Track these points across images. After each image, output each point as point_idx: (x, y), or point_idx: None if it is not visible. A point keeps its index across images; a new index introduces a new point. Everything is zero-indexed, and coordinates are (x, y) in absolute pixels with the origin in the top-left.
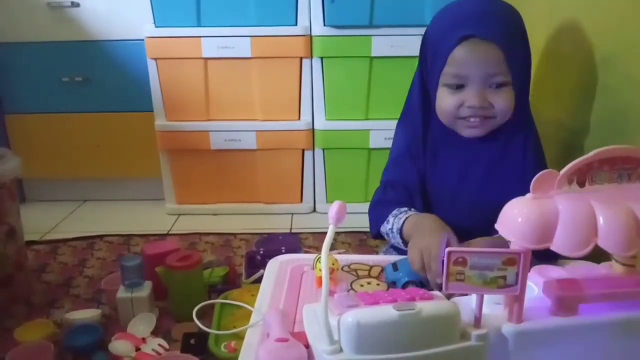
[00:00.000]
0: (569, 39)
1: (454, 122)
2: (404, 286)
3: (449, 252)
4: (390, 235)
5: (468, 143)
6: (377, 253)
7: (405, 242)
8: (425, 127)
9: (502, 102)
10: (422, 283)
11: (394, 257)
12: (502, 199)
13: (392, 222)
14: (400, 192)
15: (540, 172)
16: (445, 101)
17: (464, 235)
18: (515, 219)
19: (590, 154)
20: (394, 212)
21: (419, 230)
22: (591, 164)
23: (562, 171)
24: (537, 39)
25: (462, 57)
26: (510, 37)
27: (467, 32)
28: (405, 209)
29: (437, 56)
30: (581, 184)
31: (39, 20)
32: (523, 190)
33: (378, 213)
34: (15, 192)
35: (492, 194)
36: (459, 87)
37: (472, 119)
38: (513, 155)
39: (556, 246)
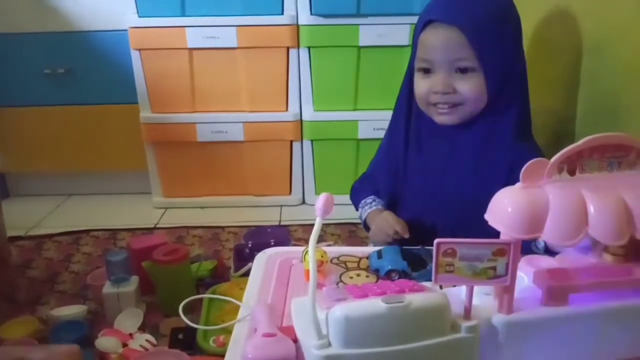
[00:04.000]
0: (559, 25)
1: (428, 108)
2: (387, 274)
3: (438, 243)
4: (361, 222)
5: (451, 131)
6: (366, 244)
7: (368, 228)
8: (409, 116)
9: (467, 87)
10: (405, 271)
11: (380, 247)
12: (488, 188)
13: (360, 212)
14: (372, 187)
15: (530, 161)
16: (418, 86)
17: (448, 228)
18: (505, 208)
19: (581, 142)
20: (361, 202)
21: (375, 221)
22: (581, 152)
23: (552, 160)
24: (527, 26)
25: (427, 41)
26: (478, 21)
27: (430, 16)
28: (371, 200)
29: (413, 41)
30: (571, 173)
31: (20, 10)
32: (509, 178)
33: (354, 199)
34: None
35: (476, 183)
36: (427, 71)
37: (440, 106)
38: (498, 140)
39: (546, 236)
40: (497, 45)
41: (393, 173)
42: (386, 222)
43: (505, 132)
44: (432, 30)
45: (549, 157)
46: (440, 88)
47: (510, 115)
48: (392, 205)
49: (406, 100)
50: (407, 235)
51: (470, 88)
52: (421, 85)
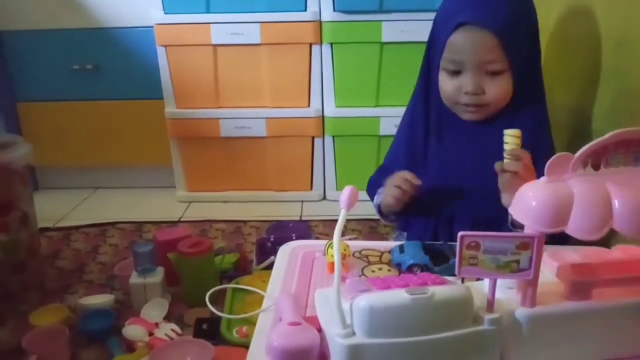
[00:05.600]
0: (581, 22)
1: (455, 106)
2: (409, 268)
3: (462, 236)
4: (375, 209)
5: (472, 124)
6: (387, 240)
7: (381, 214)
8: (427, 110)
9: (496, 90)
10: (427, 266)
11: (402, 242)
12: None
13: (375, 200)
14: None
15: (555, 155)
16: (444, 86)
17: (466, 216)
18: (530, 202)
19: (606, 136)
20: (377, 192)
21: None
22: (606, 147)
23: (577, 154)
24: (549, 23)
25: (458, 44)
26: (509, 23)
27: (462, 18)
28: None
29: (438, 41)
30: (596, 168)
31: (50, 7)
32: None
33: (370, 191)
34: (28, 178)
35: (494, 173)
36: (457, 72)
37: (468, 107)
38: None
39: (571, 230)
40: (525, 46)
41: (412, 164)
42: (393, 179)
43: (524, 125)
44: (464, 33)
45: (572, 153)
46: (470, 89)
47: (531, 109)
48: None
49: (424, 94)
50: (418, 182)
51: (499, 90)
52: (448, 84)
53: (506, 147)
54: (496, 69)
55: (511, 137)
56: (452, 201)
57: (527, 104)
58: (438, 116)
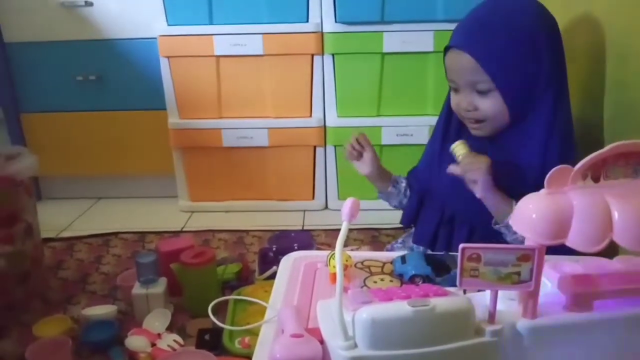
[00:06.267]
0: (583, 33)
1: (463, 120)
2: (411, 279)
3: (463, 248)
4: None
5: (481, 137)
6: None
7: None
8: (447, 121)
9: (486, 107)
10: (429, 276)
11: (404, 252)
12: (519, 186)
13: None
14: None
15: (555, 168)
16: (452, 101)
17: (469, 222)
18: (530, 214)
19: (605, 148)
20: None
21: None
22: (606, 159)
23: (577, 166)
24: None
25: (448, 65)
26: (491, 48)
27: (450, 42)
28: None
29: None
30: (596, 180)
31: (53, 19)
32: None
33: None
34: (32, 189)
35: (510, 183)
36: (456, 90)
37: (471, 122)
38: (530, 146)
39: (571, 242)
40: (512, 66)
41: (427, 166)
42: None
43: (534, 142)
44: (451, 55)
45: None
46: (464, 106)
47: (538, 126)
48: (424, 194)
49: (447, 106)
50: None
51: (490, 106)
52: (453, 100)
53: (457, 158)
54: (483, 89)
55: (457, 148)
56: (455, 205)
57: (534, 122)
58: (457, 127)
